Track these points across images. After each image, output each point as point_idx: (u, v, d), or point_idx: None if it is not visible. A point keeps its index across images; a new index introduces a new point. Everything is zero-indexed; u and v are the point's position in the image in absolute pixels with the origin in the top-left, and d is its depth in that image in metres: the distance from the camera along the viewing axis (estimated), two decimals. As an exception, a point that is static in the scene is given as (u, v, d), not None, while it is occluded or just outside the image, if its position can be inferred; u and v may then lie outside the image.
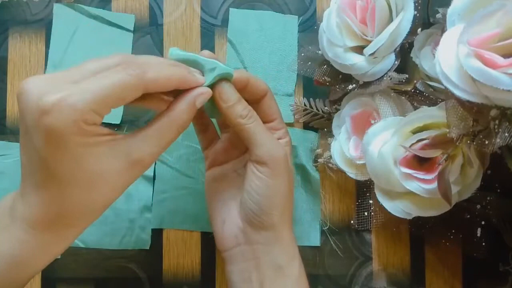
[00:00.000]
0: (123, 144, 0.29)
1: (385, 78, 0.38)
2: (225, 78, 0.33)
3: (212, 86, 0.33)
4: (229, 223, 0.36)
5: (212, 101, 0.34)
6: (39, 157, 0.27)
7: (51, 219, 0.28)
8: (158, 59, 0.31)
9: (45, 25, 0.44)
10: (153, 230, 0.43)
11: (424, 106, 0.38)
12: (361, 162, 0.39)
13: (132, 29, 0.44)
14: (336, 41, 0.38)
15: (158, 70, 0.29)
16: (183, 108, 0.31)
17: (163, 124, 0.30)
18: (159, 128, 0.30)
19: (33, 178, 0.28)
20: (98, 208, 0.29)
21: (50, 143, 0.26)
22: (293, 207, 0.38)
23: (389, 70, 0.38)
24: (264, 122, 0.37)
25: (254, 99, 0.36)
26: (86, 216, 0.29)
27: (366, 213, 0.43)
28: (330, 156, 0.42)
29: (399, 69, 0.38)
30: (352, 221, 0.43)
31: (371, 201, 0.42)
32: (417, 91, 0.38)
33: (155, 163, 0.43)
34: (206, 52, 0.34)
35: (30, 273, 0.30)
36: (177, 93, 0.32)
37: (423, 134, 0.35)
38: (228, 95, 0.33)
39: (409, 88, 0.38)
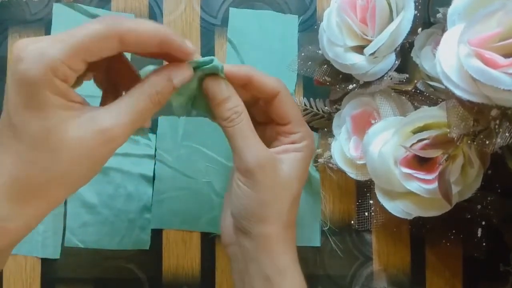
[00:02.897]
0: (91, 113, 0.27)
1: (385, 78, 0.38)
2: (214, 72, 0.32)
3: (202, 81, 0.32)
4: (228, 220, 0.36)
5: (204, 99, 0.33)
6: (9, 113, 0.26)
7: (11, 188, 0.26)
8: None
9: (45, 25, 0.44)
10: (152, 231, 0.43)
11: (425, 106, 0.38)
12: (362, 162, 0.39)
13: (131, 28, 0.44)
14: (337, 41, 0.38)
15: (137, 21, 0.28)
16: (156, 77, 0.29)
17: (133, 93, 0.29)
18: (128, 97, 0.29)
19: (0, 140, 0.27)
20: (61, 181, 0.27)
21: (20, 93, 0.26)
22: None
23: (389, 70, 0.38)
24: (278, 124, 0.35)
25: (264, 98, 0.34)
26: (48, 189, 0.27)
27: (366, 213, 0.43)
28: (331, 156, 0.42)
29: (399, 69, 0.38)
30: (352, 221, 0.43)
31: (371, 201, 0.42)
32: (418, 91, 0.38)
33: (155, 163, 0.43)
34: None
35: None
36: None
37: (424, 134, 0.35)
38: (213, 92, 0.32)
39: (409, 88, 0.38)
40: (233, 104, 0.32)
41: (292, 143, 0.35)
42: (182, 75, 0.30)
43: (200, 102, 0.34)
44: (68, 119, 0.27)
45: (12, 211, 0.27)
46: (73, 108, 0.27)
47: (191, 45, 0.30)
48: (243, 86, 0.33)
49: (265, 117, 0.36)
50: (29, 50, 0.26)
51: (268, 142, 0.35)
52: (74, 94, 0.27)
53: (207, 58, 0.31)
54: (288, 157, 0.34)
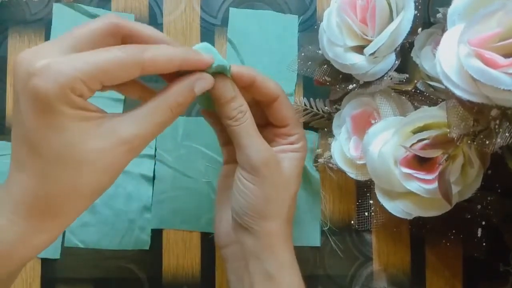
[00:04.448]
0: (111, 122, 0.27)
1: (385, 78, 0.38)
2: (221, 72, 0.32)
3: None
4: (225, 220, 0.37)
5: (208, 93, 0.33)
6: (25, 130, 0.26)
7: (34, 204, 0.26)
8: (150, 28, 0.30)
9: (45, 25, 0.44)
10: (152, 231, 0.43)
11: (425, 106, 0.38)
12: (362, 162, 0.39)
13: (131, 28, 0.44)
14: (337, 41, 0.38)
15: (158, 49, 0.28)
16: (179, 89, 0.30)
17: (155, 104, 0.29)
18: (150, 108, 0.28)
19: (17, 157, 0.27)
20: (84, 193, 0.27)
21: (36, 109, 0.25)
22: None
23: (389, 70, 0.38)
24: (276, 127, 0.36)
25: (264, 101, 0.35)
26: (70, 203, 0.27)
27: (366, 213, 0.43)
28: (330, 156, 0.42)
29: (399, 69, 0.38)
30: (352, 221, 0.43)
31: (371, 201, 0.42)
32: (418, 91, 0.38)
33: (155, 163, 0.43)
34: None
35: (7, 267, 0.27)
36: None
37: (424, 134, 0.35)
38: (220, 92, 0.32)
39: (409, 88, 0.38)
40: (238, 104, 0.33)
41: (290, 144, 0.36)
42: (204, 83, 0.31)
43: (203, 98, 0.34)
44: (87, 131, 0.26)
45: (34, 227, 0.27)
46: (91, 118, 0.27)
47: (207, 56, 0.31)
48: (245, 87, 0.34)
49: (262, 120, 0.37)
50: (44, 66, 0.25)
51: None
52: (90, 105, 0.27)
53: (220, 62, 0.31)
54: (286, 157, 0.35)
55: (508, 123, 0.30)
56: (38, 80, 0.25)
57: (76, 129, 0.26)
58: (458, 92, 0.29)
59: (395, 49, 0.37)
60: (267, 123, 0.37)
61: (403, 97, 0.39)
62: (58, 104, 0.25)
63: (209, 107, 0.35)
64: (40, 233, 0.27)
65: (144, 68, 0.27)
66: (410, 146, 0.35)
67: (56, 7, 0.44)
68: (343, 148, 0.41)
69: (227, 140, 0.36)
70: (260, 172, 0.33)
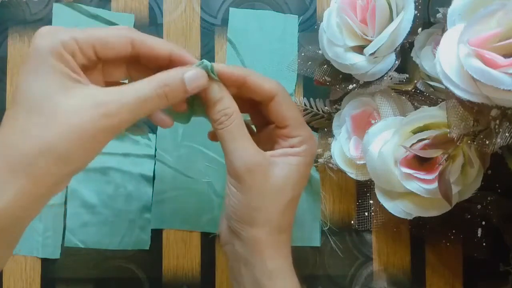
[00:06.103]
0: (94, 89, 0.28)
1: (385, 78, 0.38)
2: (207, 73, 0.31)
3: None
4: (225, 220, 0.36)
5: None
6: (16, 83, 0.28)
7: (6, 160, 0.26)
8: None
9: (45, 25, 0.44)
10: (152, 231, 0.43)
11: (425, 106, 0.38)
12: (362, 162, 0.39)
13: (131, 28, 0.44)
14: (337, 41, 0.38)
15: (149, 35, 0.31)
16: (168, 72, 0.30)
17: (142, 80, 0.29)
18: (135, 83, 0.29)
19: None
20: (52, 153, 0.26)
21: (29, 60, 0.27)
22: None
23: (389, 70, 0.38)
24: (276, 127, 0.34)
25: (261, 101, 0.34)
26: (38, 160, 0.26)
27: (366, 213, 0.43)
28: (330, 156, 0.42)
29: (399, 69, 0.38)
30: (352, 221, 0.43)
31: (371, 201, 0.42)
32: (418, 91, 0.38)
33: (155, 163, 0.43)
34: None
35: None
36: None
37: (424, 134, 0.35)
38: (205, 93, 0.32)
39: (409, 88, 0.38)
40: (223, 106, 0.32)
41: (291, 147, 0.34)
42: (194, 74, 0.30)
43: (197, 105, 0.34)
44: (68, 88, 0.27)
45: (6, 185, 0.26)
46: (76, 80, 0.28)
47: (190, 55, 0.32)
48: (238, 87, 0.33)
49: (266, 117, 0.35)
50: (46, 28, 0.28)
51: (272, 143, 0.35)
52: (80, 71, 0.28)
53: (199, 63, 0.31)
54: (283, 161, 0.33)
55: (508, 123, 0.30)
56: (38, 37, 0.28)
57: (57, 83, 0.27)
58: (458, 92, 0.29)
59: (395, 49, 0.37)
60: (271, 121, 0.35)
61: (403, 97, 0.39)
62: (47, 53, 0.27)
63: (204, 115, 0.34)
64: (5, 191, 0.26)
65: (135, 45, 0.30)
66: (410, 146, 0.35)
67: (56, 7, 0.44)
68: (343, 148, 0.41)
69: None
70: (244, 179, 0.31)
